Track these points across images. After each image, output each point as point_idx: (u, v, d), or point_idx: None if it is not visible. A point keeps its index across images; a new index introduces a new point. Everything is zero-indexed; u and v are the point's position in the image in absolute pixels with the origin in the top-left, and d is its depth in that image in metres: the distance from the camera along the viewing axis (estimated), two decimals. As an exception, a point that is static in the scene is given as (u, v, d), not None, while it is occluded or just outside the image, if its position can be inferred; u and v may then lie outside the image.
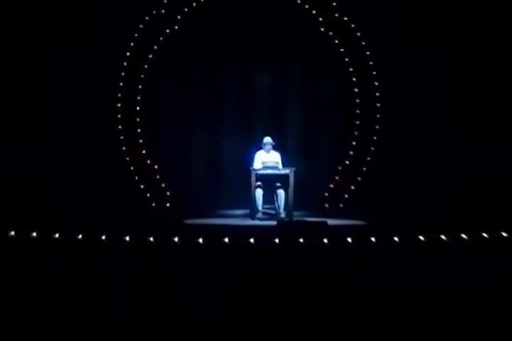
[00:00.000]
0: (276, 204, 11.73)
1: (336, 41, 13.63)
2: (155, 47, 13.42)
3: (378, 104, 13.41)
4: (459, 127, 12.52)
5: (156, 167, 13.31)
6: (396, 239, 8.18)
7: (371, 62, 13.46)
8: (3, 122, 12.10)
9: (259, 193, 11.59)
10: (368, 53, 13.46)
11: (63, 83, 12.61)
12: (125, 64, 13.24)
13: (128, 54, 13.25)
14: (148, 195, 13.20)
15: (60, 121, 12.53)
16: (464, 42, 12.56)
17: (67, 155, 12.45)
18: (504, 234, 8.36)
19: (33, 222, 8.89)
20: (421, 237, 8.23)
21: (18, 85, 12.40)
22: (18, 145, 12.00)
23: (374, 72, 13.45)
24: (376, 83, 13.42)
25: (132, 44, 13.27)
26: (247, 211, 11.88)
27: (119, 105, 13.20)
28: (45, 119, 12.49)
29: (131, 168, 13.17)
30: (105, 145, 12.77)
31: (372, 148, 13.41)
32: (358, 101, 13.56)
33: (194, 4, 13.54)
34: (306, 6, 13.62)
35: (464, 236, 8.29)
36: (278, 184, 11.73)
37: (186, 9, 13.53)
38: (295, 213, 11.45)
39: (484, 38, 12.44)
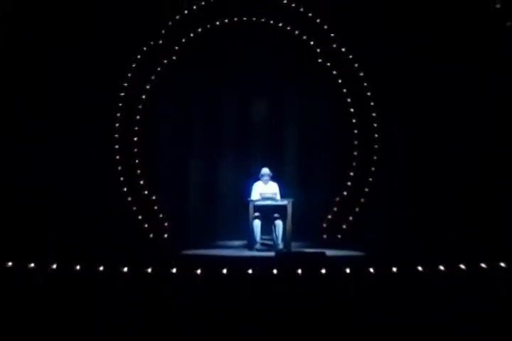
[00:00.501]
0: (274, 235, 11.71)
1: (334, 72, 13.73)
2: (152, 77, 13.52)
3: (376, 135, 13.48)
4: (459, 156, 12.61)
5: (154, 198, 13.35)
6: (394, 269, 8.21)
7: (369, 93, 13.56)
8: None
9: (257, 224, 11.59)
10: (365, 84, 13.57)
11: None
12: (120, 103, 13.38)
13: (123, 90, 13.38)
14: (146, 225, 13.22)
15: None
16: (463, 65, 12.69)
17: (63, 181, 12.52)
18: (502, 264, 8.40)
19: (31, 252, 8.93)
20: (419, 268, 8.25)
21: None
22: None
23: (372, 103, 13.55)
24: (374, 114, 13.52)
25: (129, 74, 13.40)
26: (245, 242, 11.86)
27: (116, 136, 13.26)
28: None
29: (129, 199, 13.19)
30: (103, 176, 12.82)
31: (370, 179, 13.46)
32: (355, 132, 13.64)
33: (192, 35, 13.67)
34: (304, 37, 13.76)
35: (462, 266, 8.31)
36: (276, 215, 11.71)
37: (184, 40, 13.66)
38: (293, 244, 11.43)
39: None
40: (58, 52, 12.67)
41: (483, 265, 8.36)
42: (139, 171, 13.34)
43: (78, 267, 8.18)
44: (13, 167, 12.13)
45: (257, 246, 11.58)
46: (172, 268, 8.14)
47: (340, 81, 13.74)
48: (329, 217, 13.58)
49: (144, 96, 13.49)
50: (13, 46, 12.46)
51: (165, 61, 13.63)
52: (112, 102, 13.26)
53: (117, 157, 13.26)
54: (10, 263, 8.33)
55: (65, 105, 12.73)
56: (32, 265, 8.26)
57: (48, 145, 12.67)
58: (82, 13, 12.82)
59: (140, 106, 13.48)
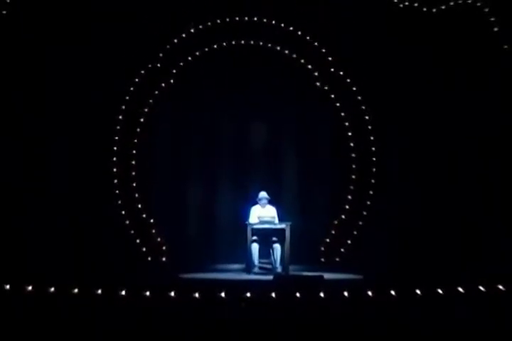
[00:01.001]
0: (272, 258, 11.71)
1: (332, 96, 13.81)
2: (150, 100, 13.58)
3: (374, 158, 13.54)
4: (457, 181, 12.64)
5: (151, 221, 13.35)
6: (393, 292, 8.21)
7: (367, 117, 13.63)
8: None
9: (255, 248, 11.59)
10: (363, 107, 13.63)
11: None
12: (119, 124, 13.43)
13: (120, 115, 13.45)
14: (143, 249, 13.22)
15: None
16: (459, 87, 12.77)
17: (61, 203, 12.55)
18: (501, 287, 8.41)
19: (26, 275, 8.93)
20: (418, 291, 8.26)
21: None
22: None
23: (370, 127, 13.61)
24: (372, 137, 13.56)
25: (127, 97, 13.46)
26: (243, 265, 11.85)
27: (114, 159, 13.30)
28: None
29: (127, 222, 13.20)
30: (101, 199, 12.84)
31: (368, 203, 13.48)
32: (353, 155, 13.69)
33: (190, 58, 13.76)
34: (302, 61, 13.85)
35: (460, 289, 8.33)
36: (274, 238, 11.71)
37: (181, 63, 13.74)
38: (291, 267, 11.42)
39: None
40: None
41: (481, 288, 8.38)
42: (136, 195, 13.35)
43: (76, 290, 8.18)
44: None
45: (255, 269, 11.57)
46: (170, 292, 8.14)
47: (338, 104, 13.80)
48: (327, 240, 13.60)
49: (142, 120, 13.52)
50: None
51: (162, 84, 13.69)
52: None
53: (115, 181, 13.27)
54: (7, 287, 8.33)
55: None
56: (30, 288, 8.27)
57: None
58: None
59: (138, 129, 13.50)
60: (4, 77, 12.38)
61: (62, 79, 12.77)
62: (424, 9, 13.05)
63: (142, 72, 13.55)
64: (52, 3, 12.82)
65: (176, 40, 13.67)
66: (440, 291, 8.29)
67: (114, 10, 12.95)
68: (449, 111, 12.79)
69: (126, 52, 13.04)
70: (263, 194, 12.21)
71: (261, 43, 13.90)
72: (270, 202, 12.25)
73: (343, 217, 13.62)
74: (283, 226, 11.45)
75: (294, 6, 13.66)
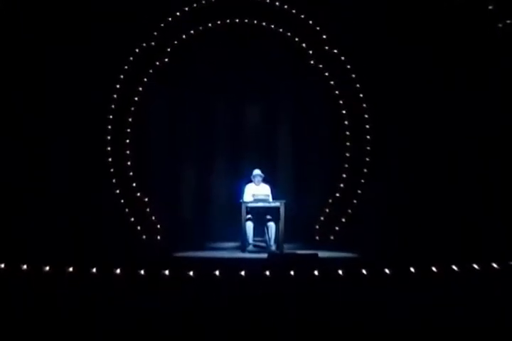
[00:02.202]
0: (266, 236, 11.71)
1: (326, 74, 13.73)
2: (145, 79, 13.50)
3: (368, 137, 13.48)
4: (449, 159, 12.62)
5: (146, 200, 13.32)
6: (387, 271, 8.20)
7: (361, 95, 13.56)
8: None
9: (249, 226, 11.59)
10: (357, 86, 13.56)
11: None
12: (115, 96, 13.32)
13: (118, 86, 13.34)
14: (138, 227, 13.19)
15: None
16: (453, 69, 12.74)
17: (57, 184, 12.50)
18: (495, 265, 8.40)
19: (23, 254, 8.91)
20: (412, 269, 8.25)
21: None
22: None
23: (364, 105, 13.54)
24: (366, 116, 13.50)
25: (122, 76, 13.35)
26: (238, 244, 11.84)
27: (109, 138, 13.23)
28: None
29: (122, 201, 13.17)
30: (96, 178, 12.79)
31: (363, 181, 13.45)
32: (348, 133, 13.63)
33: (184, 36, 13.65)
34: (296, 39, 13.75)
35: (455, 267, 8.32)
36: (268, 217, 11.72)
37: (176, 42, 13.64)
38: (286, 246, 11.41)
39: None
40: (58, 52, 12.62)
41: (475, 266, 8.37)
42: (131, 173, 13.29)
43: (71, 269, 8.16)
44: (13, 167, 12.10)
45: (250, 247, 11.58)
46: (164, 270, 8.12)
47: (332, 83, 13.72)
48: (322, 218, 13.57)
49: (136, 98, 13.44)
50: (13, 46, 12.43)
51: (157, 63, 13.60)
52: (105, 103, 13.21)
53: (109, 159, 13.21)
54: (2, 265, 8.31)
55: (64, 105, 12.69)
56: (24, 267, 8.24)
57: (48, 146, 12.61)
58: (82, 13, 12.77)
59: (133, 108, 13.43)
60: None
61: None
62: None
63: (136, 50, 13.43)
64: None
65: (170, 19, 13.55)
66: (434, 269, 8.29)
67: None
68: (447, 100, 12.76)
69: (120, 31, 12.91)
70: (257, 171, 12.18)
71: (256, 22, 13.77)
72: (264, 180, 12.22)
73: (338, 195, 13.58)
74: (277, 204, 11.43)
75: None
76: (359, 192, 13.44)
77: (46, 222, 11.93)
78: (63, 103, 12.68)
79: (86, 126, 12.74)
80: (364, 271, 8.20)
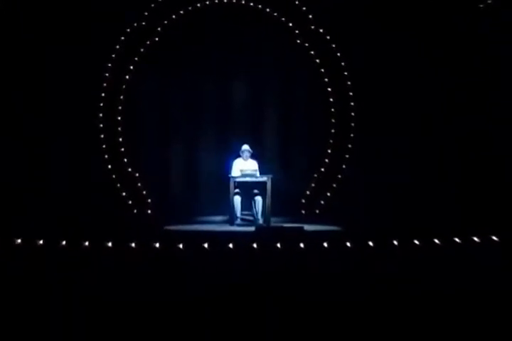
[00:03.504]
0: (254, 210, 11.68)
1: (312, 52, 13.64)
2: (135, 58, 13.37)
3: (352, 114, 13.42)
4: (435, 127, 12.64)
5: (137, 175, 13.25)
6: (371, 243, 8.19)
7: (346, 73, 13.50)
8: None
9: (237, 200, 11.55)
10: (343, 64, 13.51)
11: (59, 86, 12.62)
12: (106, 75, 13.19)
13: (109, 65, 13.21)
14: (129, 202, 13.15)
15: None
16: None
17: (51, 160, 12.41)
18: (476, 239, 8.40)
19: (15, 229, 8.86)
20: (395, 242, 8.24)
21: (18, 85, 12.39)
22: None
23: (349, 83, 13.49)
24: (351, 93, 13.45)
25: (113, 55, 13.22)
26: (226, 217, 11.83)
27: (101, 115, 13.13)
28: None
29: (113, 176, 13.10)
30: (88, 154, 12.70)
31: (347, 156, 13.40)
32: (333, 110, 13.56)
33: (174, 16, 13.52)
34: (283, 19, 13.65)
35: (436, 240, 8.31)
36: (256, 191, 11.68)
37: (166, 21, 13.52)
38: (272, 219, 11.42)
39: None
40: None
41: (457, 239, 8.36)
42: (122, 149, 13.21)
43: (63, 243, 8.11)
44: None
45: (238, 221, 11.55)
46: (155, 243, 8.09)
47: (318, 61, 13.64)
48: (307, 192, 13.55)
49: (127, 77, 13.32)
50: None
51: (147, 42, 13.47)
52: (97, 81, 13.09)
53: (101, 135, 13.12)
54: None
55: (56, 83, 12.62)
56: (19, 241, 8.19)
57: (40, 124, 12.52)
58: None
59: (124, 87, 13.32)
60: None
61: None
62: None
63: (128, 30, 13.29)
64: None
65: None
66: (417, 242, 8.28)
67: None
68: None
69: (109, 10, 12.77)
70: (246, 147, 12.11)
71: (243, 2, 13.65)
72: (252, 156, 12.16)
73: (323, 170, 13.54)
74: (264, 179, 11.40)
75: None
76: (344, 167, 13.41)
77: (38, 198, 11.89)
78: (55, 81, 12.56)
79: (78, 104, 12.64)
80: (348, 244, 8.17)
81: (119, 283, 6.89)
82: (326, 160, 13.54)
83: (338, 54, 13.53)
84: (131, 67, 13.37)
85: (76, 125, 12.58)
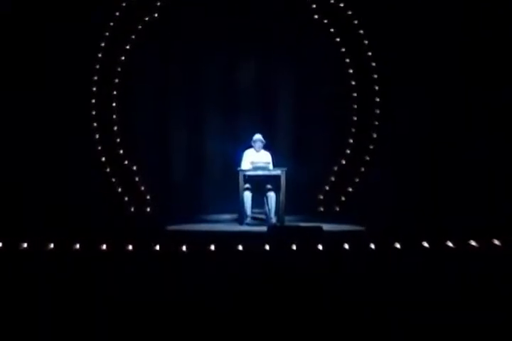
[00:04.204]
0: (266, 208, 11.70)
1: (332, 29, 13.61)
2: (132, 36, 13.39)
3: (377, 99, 13.41)
4: (467, 125, 12.64)
5: (134, 168, 13.31)
6: (398, 245, 8.23)
7: (370, 53, 13.45)
8: None
9: (247, 196, 11.57)
10: (366, 42, 13.45)
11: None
12: (100, 56, 13.23)
13: (103, 44, 13.24)
14: (126, 198, 13.22)
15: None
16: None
17: (38, 153, 12.49)
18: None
19: (4, 229, 8.95)
20: (425, 244, 8.27)
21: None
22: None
23: (373, 64, 13.45)
24: (375, 76, 13.43)
25: (107, 33, 13.24)
26: (235, 216, 11.90)
27: (93, 101, 13.18)
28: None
29: (108, 170, 13.16)
30: (79, 145, 12.76)
31: (371, 147, 13.41)
32: (355, 95, 13.57)
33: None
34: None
35: (473, 242, 8.34)
36: (268, 186, 11.70)
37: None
38: (287, 218, 11.48)
39: None
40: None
41: (496, 241, 8.39)
42: (118, 140, 13.27)
43: (52, 245, 8.17)
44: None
45: (248, 220, 11.59)
46: (155, 245, 8.16)
47: (338, 39, 13.62)
48: (326, 187, 13.59)
49: (123, 58, 13.36)
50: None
51: (146, 18, 13.49)
52: (89, 63, 13.13)
53: (94, 124, 13.18)
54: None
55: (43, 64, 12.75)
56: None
57: (27, 110, 12.61)
58: None
59: (119, 69, 13.35)
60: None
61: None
62: None
63: (123, 4, 13.33)
64: None
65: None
66: (450, 244, 8.31)
67: None
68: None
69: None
70: (258, 136, 12.08)
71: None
72: (265, 146, 12.16)
73: (344, 162, 13.56)
74: (278, 172, 11.42)
75: None
76: (367, 158, 13.41)
77: (28, 195, 11.99)
78: (42, 62, 12.65)
79: (68, 88, 12.69)
80: (372, 246, 8.22)
81: (115, 289, 6.97)
82: (347, 151, 13.56)
83: (361, 31, 13.50)
84: (128, 47, 13.38)
85: (67, 113, 12.65)
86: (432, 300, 6.64)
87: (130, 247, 8.15)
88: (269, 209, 11.62)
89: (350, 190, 13.45)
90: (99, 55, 13.23)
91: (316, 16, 13.64)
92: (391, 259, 7.92)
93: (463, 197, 12.16)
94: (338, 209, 13.47)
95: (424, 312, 6.37)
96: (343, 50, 13.61)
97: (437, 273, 7.41)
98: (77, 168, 12.56)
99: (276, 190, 11.51)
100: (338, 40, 13.60)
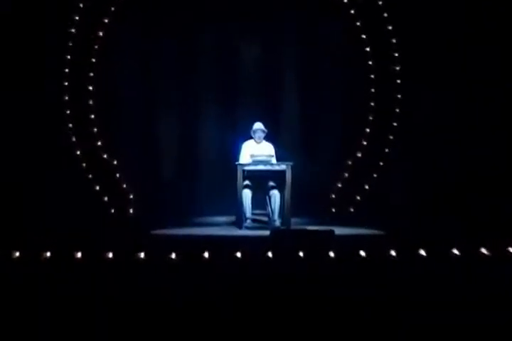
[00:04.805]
0: (269, 208, 11.70)
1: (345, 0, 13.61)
2: (112, 8, 13.36)
3: (398, 80, 13.40)
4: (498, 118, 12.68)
5: (115, 163, 13.29)
6: (422, 252, 8.22)
7: (390, 27, 13.43)
8: None
9: (247, 195, 11.56)
10: (385, 15, 13.44)
11: None
12: (73, 31, 13.18)
13: (77, 18, 13.20)
14: (105, 198, 13.20)
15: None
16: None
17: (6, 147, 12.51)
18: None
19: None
20: (455, 251, 8.27)
21: None
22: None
23: (393, 40, 13.43)
24: (396, 54, 13.39)
25: (81, 5, 13.20)
26: (233, 218, 11.92)
27: (66, 84, 13.14)
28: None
29: (84, 165, 13.13)
30: (50, 136, 12.73)
31: (391, 137, 13.40)
32: (372, 77, 13.53)
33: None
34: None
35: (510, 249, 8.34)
36: (271, 183, 11.72)
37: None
38: (293, 220, 11.48)
39: None
40: None
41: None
42: (95, 129, 13.24)
43: (17, 254, 8.17)
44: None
45: (248, 223, 11.59)
46: (139, 253, 8.15)
47: (353, 11, 13.60)
48: (339, 185, 13.58)
49: (101, 33, 13.32)
50: None
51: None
52: (61, 41, 13.11)
53: (67, 111, 13.15)
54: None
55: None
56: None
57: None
58: None
59: (96, 47, 13.30)
60: None
61: None
62: None
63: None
64: None
65: None
66: (485, 252, 8.31)
67: None
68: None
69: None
70: (259, 125, 12.03)
71: None
72: (267, 136, 12.14)
73: (360, 155, 13.54)
74: (283, 167, 11.42)
75: None
76: (386, 151, 13.39)
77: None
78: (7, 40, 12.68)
79: (37, 71, 12.68)
80: (393, 253, 8.21)
81: (92, 305, 6.96)
82: (364, 143, 13.54)
83: (380, 2, 13.47)
84: (106, 21, 13.35)
85: (34, 98, 12.64)
86: (468, 322, 6.63)
87: (110, 255, 8.14)
88: (272, 210, 11.62)
89: (367, 187, 13.43)
90: (73, 31, 13.17)
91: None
92: (416, 269, 7.91)
93: (496, 196, 12.17)
94: (352, 210, 13.46)
95: (458, 333, 6.36)
96: (359, 23, 13.55)
97: (471, 286, 7.40)
98: (47, 164, 12.53)
99: (281, 187, 11.52)
100: (352, 12, 13.56)
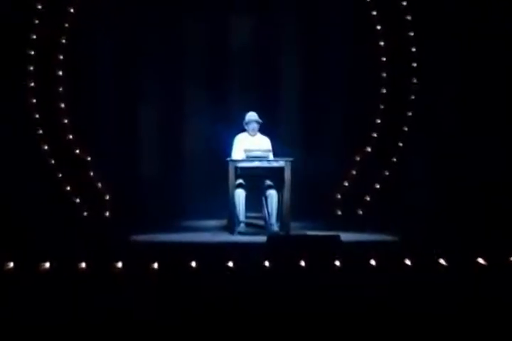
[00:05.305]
0: (265, 211, 11.69)
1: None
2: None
3: (414, 64, 13.38)
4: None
5: (88, 159, 13.26)
6: (442, 261, 8.20)
7: (404, 2, 13.43)
8: None
9: (240, 196, 11.53)
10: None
11: None
12: (40, 7, 13.13)
13: (39, 4, 13.16)
14: (77, 200, 13.17)
15: None
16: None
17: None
18: None
19: None
20: (480, 260, 8.25)
21: None
22: None
23: (409, 17, 13.40)
24: (412, 33, 13.38)
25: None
26: (224, 222, 11.94)
27: (31, 68, 13.10)
28: None
29: (52, 162, 13.09)
30: (12, 130, 12.67)
31: (406, 129, 13.38)
32: (384, 59, 13.51)
33: None
34: None
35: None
36: (268, 182, 11.70)
37: None
38: (293, 224, 11.47)
39: None
40: None
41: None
42: (66, 121, 13.20)
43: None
44: None
45: (241, 227, 11.56)
46: (117, 262, 8.12)
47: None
48: (345, 184, 13.56)
49: (72, 10, 13.27)
50: None
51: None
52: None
53: (33, 100, 13.10)
54: None
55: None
56: None
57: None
58: None
59: (67, 25, 13.27)
60: None
61: None
62: None
63: None
64: None
65: None
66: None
67: None
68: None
69: None
70: (252, 115, 12.00)
71: None
72: (262, 129, 12.10)
73: (369, 150, 13.53)
74: (281, 164, 11.38)
75: None
76: (400, 145, 13.37)
77: None
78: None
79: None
80: (408, 262, 8.18)
81: (64, 321, 6.94)
82: (374, 135, 13.53)
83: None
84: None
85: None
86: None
87: (82, 266, 8.11)
88: (269, 213, 11.60)
89: (378, 187, 13.41)
90: (39, 7, 13.13)
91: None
92: (435, 279, 7.90)
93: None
94: (360, 212, 13.45)
95: None
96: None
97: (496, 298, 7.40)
98: (8, 159, 12.45)
99: (279, 187, 11.52)
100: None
